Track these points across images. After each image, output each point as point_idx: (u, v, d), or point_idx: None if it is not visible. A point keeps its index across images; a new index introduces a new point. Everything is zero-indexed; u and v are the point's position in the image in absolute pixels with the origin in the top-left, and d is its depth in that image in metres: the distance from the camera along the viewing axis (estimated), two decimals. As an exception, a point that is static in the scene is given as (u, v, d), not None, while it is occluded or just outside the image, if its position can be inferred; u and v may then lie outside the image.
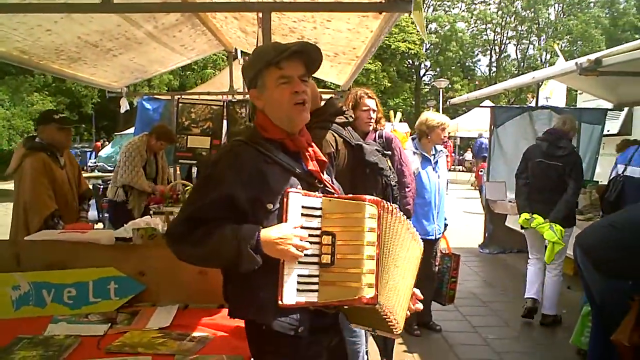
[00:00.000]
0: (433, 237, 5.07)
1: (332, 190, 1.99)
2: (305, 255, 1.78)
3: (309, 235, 1.79)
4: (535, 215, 5.28)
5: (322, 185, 1.97)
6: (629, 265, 3.37)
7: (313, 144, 2.04)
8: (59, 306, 2.72)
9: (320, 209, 1.82)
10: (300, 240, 1.76)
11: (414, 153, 5.07)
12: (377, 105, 3.90)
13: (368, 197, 1.82)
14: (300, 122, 1.97)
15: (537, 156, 5.40)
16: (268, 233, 1.78)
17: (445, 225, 5.22)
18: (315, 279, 1.79)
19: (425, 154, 5.09)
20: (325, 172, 2.06)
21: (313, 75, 2.09)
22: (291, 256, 1.76)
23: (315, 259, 1.80)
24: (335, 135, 3.44)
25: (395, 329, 1.90)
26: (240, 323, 2.46)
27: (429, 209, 5.04)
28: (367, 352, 3.75)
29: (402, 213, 1.94)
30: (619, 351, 3.35)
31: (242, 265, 1.79)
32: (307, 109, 1.95)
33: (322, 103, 3.67)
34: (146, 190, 5.84)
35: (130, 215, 5.55)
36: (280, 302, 1.75)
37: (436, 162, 5.15)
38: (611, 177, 4.86)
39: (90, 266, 2.80)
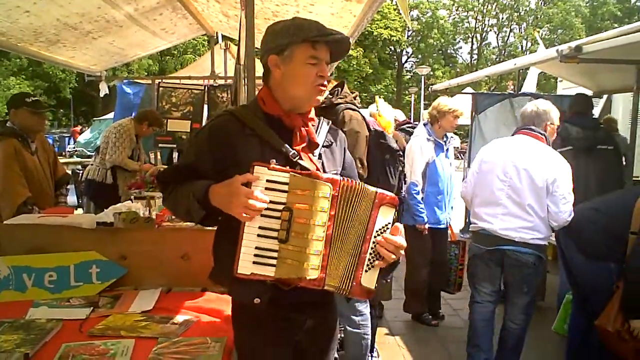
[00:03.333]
0: (445, 226, 5.09)
1: (311, 168, 1.89)
2: (268, 229, 1.76)
3: (274, 209, 1.76)
4: None
5: (297, 161, 1.89)
6: (612, 248, 3.45)
7: (311, 125, 2.00)
8: (40, 290, 2.69)
9: (287, 184, 1.77)
10: (249, 198, 1.69)
11: (428, 140, 5.00)
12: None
13: (325, 175, 1.81)
14: (313, 103, 1.97)
15: None
16: (217, 186, 1.78)
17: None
18: (275, 254, 1.77)
19: (439, 141, 5.03)
20: (320, 154, 2.01)
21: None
22: (238, 212, 1.72)
23: (277, 234, 1.77)
24: (362, 119, 3.39)
25: (344, 293, 1.84)
26: (223, 306, 2.48)
27: (442, 197, 5.03)
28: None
29: (360, 183, 1.83)
30: (601, 336, 3.42)
31: (194, 216, 1.85)
32: (323, 94, 1.99)
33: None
34: (135, 169, 5.87)
35: (117, 198, 5.56)
36: (235, 272, 1.75)
37: (447, 149, 5.11)
38: None
39: (72, 250, 2.77)
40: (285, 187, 1.76)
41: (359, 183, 1.83)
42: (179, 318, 2.44)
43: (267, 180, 1.75)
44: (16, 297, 2.66)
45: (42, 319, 2.39)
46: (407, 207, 4.89)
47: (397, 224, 1.89)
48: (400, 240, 1.86)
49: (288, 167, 1.81)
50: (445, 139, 5.09)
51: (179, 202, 1.89)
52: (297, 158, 1.89)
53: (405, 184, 3.68)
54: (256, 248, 1.76)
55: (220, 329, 2.33)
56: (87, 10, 4.74)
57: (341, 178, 1.81)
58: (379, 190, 1.84)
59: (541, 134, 3.70)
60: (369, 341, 3.63)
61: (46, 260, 2.73)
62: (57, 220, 2.98)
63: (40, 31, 5.03)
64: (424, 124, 5.17)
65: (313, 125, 2.01)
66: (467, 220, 9.13)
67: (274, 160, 1.79)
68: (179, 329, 2.31)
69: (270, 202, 1.75)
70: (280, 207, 1.76)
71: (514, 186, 3.61)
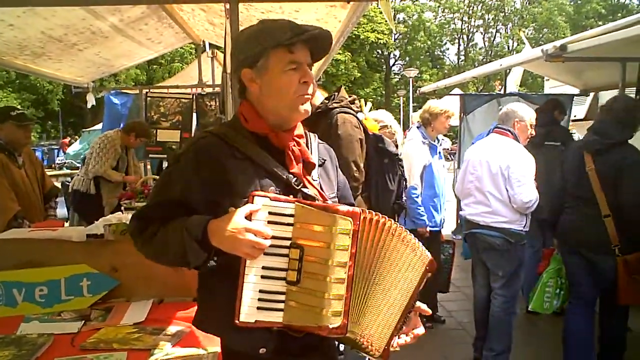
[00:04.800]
0: (440, 228, 5.11)
1: (315, 195, 1.70)
2: (272, 269, 1.55)
3: (279, 246, 1.54)
4: None
5: (301, 188, 1.69)
6: None
7: (302, 142, 1.76)
8: (31, 305, 2.67)
9: (293, 216, 1.55)
10: (256, 235, 1.49)
11: (423, 143, 4.99)
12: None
13: (344, 208, 1.57)
14: (299, 117, 1.72)
15: None
16: (217, 222, 1.54)
17: None
18: (282, 297, 1.56)
19: (433, 144, 5.03)
20: (317, 175, 1.79)
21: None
22: (244, 252, 1.51)
23: (283, 274, 1.55)
24: (359, 123, 3.35)
25: (374, 354, 1.67)
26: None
27: (438, 199, 5.03)
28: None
29: (390, 220, 1.64)
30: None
31: (189, 261, 1.59)
32: (310, 103, 1.72)
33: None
34: (117, 181, 5.86)
35: (101, 210, 5.54)
36: (237, 321, 1.53)
37: (439, 151, 5.12)
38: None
39: (62, 264, 2.75)
40: (291, 220, 1.56)
41: (384, 217, 1.63)
42: (172, 329, 2.42)
43: (270, 213, 1.54)
44: (7, 312, 2.64)
45: (33, 334, 2.37)
46: (406, 212, 4.88)
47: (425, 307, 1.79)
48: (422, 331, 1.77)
49: (291, 197, 1.61)
50: (436, 141, 5.10)
51: (167, 246, 1.62)
52: (300, 185, 1.68)
53: (405, 188, 3.66)
54: (260, 292, 1.55)
55: (213, 339, 2.31)
56: (72, 22, 4.72)
57: (360, 210, 1.59)
58: (430, 256, 1.71)
59: (507, 130, 4.07)
60: None
61: (36, 275, 2.71)
62: (46, 234, 2.95)
63: (25, 44, 5.01)
64: (417, 127, 5.15)
65: (303, 142, 1.78)
66: (458, 221, 9.17)
67: (273, 189, 1.62)
68: (172, 340, 2.30)
69: (274, 237, 1.53)
70: (286, 242, 1.55)
71: (479, 177, 4.08)
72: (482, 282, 4.33)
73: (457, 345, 4.79)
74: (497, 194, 3.96)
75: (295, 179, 1.68)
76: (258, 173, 1.65)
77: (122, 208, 5.02)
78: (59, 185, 5.53)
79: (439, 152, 5.11)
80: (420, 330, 1.76)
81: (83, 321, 2.53)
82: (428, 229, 4.90)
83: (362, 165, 3.21)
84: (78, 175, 6.17)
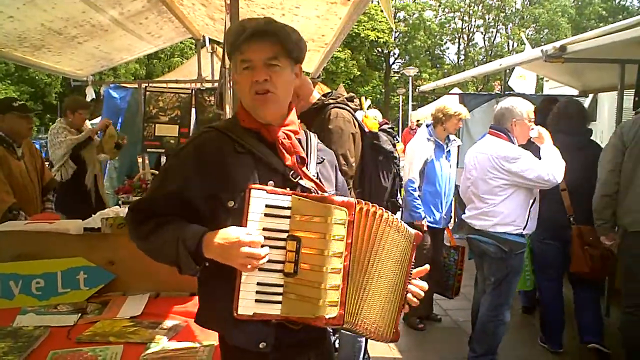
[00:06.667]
0: (440, 226, 5.13)
1: (312, 188, 1.73)
2: (270, 261, 1.55)
3: (276, 238, 1.56)
4: None
5: (298, 181, 1.72)
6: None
7: (293, 136, 1.78)
8: (27, 297, 2.66)
9: (290, 208, 1.57)
10: (252, 247, 1.52)
11: (428, 140, 5.05)
12: None
13: (339, 199, 1.58)
14: (263, 115, 1.73)
15: None
16: (212, 236, 1.57)
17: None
18: (279, 289, 1.57)
19: (440, 142, 5.07)
20: (313, 166, 1.82)
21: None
22: (240, 264, 1.53)
23: (281, 266, 1.56)
24: (353, 119, 3.38)
25: (379, 339, 1.72)
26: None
27: (439, 198, 5.06)
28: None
29: (384, 210, 1.66)
30: (588, 277, 4.24)
31: (181, 269, 1.64)
32: (271, 100, 1.70)
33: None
34: (88, 134, 5.81)
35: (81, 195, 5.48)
36: (235, 314, 1.55)
37: (449, 151, 5.14)
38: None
39: (59, 256, 2.74)
40: (288, 212, 1.57)
41: (379, 208, 1.66)
42: (168, 323, 2.42)
43: (267, 206, 1.56)
44: (3, 304, 2.63)
45: (29, 326, 2.37)
46: (404, 205, 4.91)
47: (426, 266, 1.87)
48: (425, 285, 1.84)
49: (288, 189, 1.63)
50: (447, 141, 5.14)
51: (162, 250, 1.67)
52: (297, 178, 1.72)
53: (401, 187, 3.67)
54: (258, 284, 1.56)
55: (210, 333, 2.31)
56: (72, 14, 4.71)
57: (356, 201, 1.61)
58: (414, 230, 1.76)
59: (502, 131, 4.00)
60: (363, 344, 3.63)
61: (33, 267, 2.70)
62: (44, 227, 2.95)
63: (24, 36, 5.00)
64: (427, 125, 5.23)
65: (298, 138, 1.81)
66: (456, 220, 9.17)
67: (272, 182, 1.64)
68: (168, 334, 2.30)
69: (271, 230, 1.56)
70: (283, 235, 1.57)
71: (474, 180, 4.08)
72: (481, 285, 4.34)
73: (453, 344, 4.80)
74: (492, 198, 3.94)
75: (292, 171, 1.71)
76: (257, 166, 1.69)
77: (120, 202, 5.01)
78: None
79: (448, 152, 5.14)
80: (424, 284, 1.84)
81: (79, 314, 2.52)
82: (425, 222, 4.92)
83: (352, 159, 3.22)
84: (54, 172, 5.76)
